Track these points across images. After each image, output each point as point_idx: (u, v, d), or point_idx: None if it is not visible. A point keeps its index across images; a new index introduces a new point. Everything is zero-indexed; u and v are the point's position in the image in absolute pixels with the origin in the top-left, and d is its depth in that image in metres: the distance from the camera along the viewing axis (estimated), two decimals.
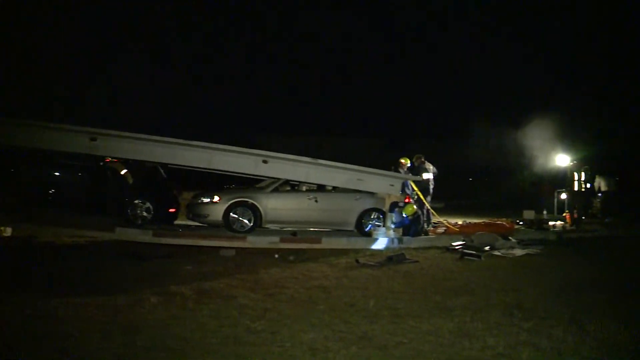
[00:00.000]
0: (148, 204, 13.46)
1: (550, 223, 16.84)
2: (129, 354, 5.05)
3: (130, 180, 13.77)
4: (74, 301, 6.77)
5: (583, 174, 18.67)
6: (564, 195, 18.55)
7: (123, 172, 13.68)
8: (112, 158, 13.61)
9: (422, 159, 15.28)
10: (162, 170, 14.52)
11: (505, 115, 38.38)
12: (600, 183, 19.51)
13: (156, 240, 12.06)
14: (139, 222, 13.21)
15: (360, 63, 55.83)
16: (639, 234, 15.29)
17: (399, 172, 14.43)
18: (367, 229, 13.56)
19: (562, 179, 19.03)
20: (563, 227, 16.67)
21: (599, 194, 19.71)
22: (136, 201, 13.39)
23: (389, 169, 14.35)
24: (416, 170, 15.08)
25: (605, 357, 5.08)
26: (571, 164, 18.73)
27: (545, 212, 18.58)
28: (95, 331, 5.65)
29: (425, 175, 14.97)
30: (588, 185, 19.23)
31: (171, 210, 14.61)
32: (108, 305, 6.68)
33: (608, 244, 13.48)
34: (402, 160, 14.98)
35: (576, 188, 18.54)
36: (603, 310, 6.77)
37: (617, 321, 6.14)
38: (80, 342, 5.33)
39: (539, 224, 16.25)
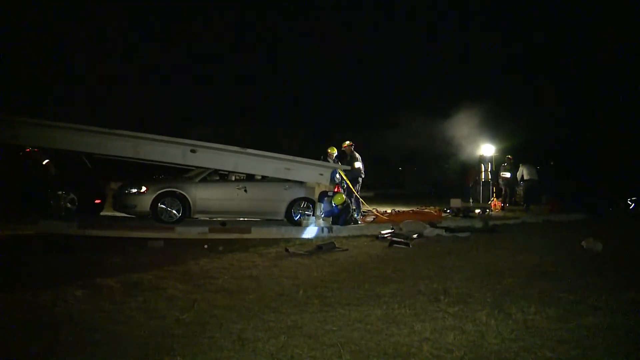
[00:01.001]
0: (72, 195, 13.12)
1: (476, 211, 17.36)
2: (52, 350, 4.86)
3: (53, 171, 13.35)
4: None
5: (490, 164, 19.41)
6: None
7: (45, 162, 13.23)
8: (32, 148, 13.15)
9: (352, 148, 15.41)
10: (86, 160, 14.14)
11: (432, 104, 39.08)
12: (523, 172, 20.19)
13: (81, 232, 11.75)
14: (63, 213, 12.84)
15: (284, 52, 55.54)
16: (558, 220, 15.98)
17: (327, 161, 14.54)
18: (297, 218, 13.64)
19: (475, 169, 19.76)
20: (488, 214, 17.23)
21: (521, 182, 20.41)
22: (59, 192, 13.00)
23: (318, 159, 14.43)
24: (348, 158, 15.21)
25: (524, 337, 5.27)
26: (481, 154, 19.41)
27: (471, 200, 19.11)
28: (15, 329, 5.43)
29: (357, 164, 15.11)
30: (508, 175, 19.89)
31: (97, 201, 14.32)
32: (29, 301, 6.42)
33: (529, 230, 14.01)
34: (329, 150, 15.11)
35: (483, 178, 19.22)
36: (522, 293, 7.02)
37: (535, 303, 6.40)
38: None
39: (465, 212, 16.72)
